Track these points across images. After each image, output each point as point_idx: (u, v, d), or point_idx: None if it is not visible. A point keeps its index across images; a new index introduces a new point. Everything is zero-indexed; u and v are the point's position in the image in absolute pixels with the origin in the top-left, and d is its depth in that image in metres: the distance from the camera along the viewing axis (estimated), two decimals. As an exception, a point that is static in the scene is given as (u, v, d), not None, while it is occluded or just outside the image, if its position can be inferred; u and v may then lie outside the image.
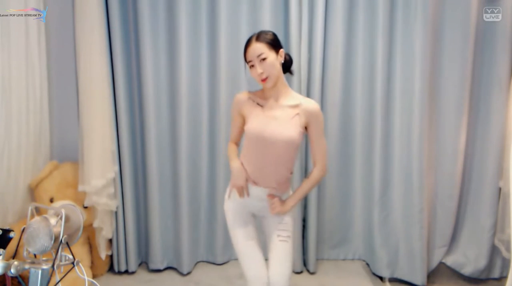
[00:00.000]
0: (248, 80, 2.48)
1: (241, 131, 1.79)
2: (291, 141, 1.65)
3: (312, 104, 1.68)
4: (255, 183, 1.71)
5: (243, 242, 1.73)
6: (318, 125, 1.68)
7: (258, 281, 1.66)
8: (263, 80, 1.64)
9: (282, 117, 1.66)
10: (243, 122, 1.75)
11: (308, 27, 2.51)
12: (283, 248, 1.71)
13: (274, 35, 1.67)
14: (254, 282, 1.67)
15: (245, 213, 1.78)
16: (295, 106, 1.67)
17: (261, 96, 1.74)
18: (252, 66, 1.64)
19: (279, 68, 1.66)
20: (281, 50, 1.68)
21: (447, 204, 2.57)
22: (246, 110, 1.73)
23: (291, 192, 1.81)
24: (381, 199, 2.62)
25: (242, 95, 1.76)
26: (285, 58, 1.71)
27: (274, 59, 1.63)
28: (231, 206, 1.79)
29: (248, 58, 1.65)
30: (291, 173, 1.76)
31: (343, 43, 2.55)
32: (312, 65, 2.51)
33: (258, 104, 1.71)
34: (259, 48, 1.62)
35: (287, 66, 1.75)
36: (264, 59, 1.61)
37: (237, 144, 1.85)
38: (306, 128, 1.69)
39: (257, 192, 1.71)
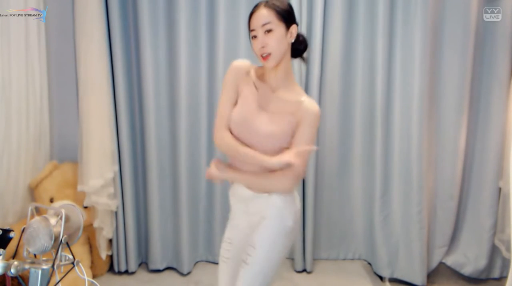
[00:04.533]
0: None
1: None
2: (275, 141, 1.38)
3: (312, 104, 1.40)
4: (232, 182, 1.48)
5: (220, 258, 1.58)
6: (308, 128, 1.36)
7: None
8: (264, 57, 1.35)
9: (274, 112, 1.39)
10: (236, 101, 1.42)
11: (307, 27, 2.51)
12: (240, 275, 1.42)
13: (290, 6, 1.38)
14: None
15: (235, 220, 1.53)
16: (295, 103, 1.39)
17: (260, 75, 1.44)
18: (255, 37, 1.36)
19: (286, 47, 1.38)
20: (294, 25, 1.38)
21: (447, 204, 2.57)
22: (240, 87, 1.42)
23: (276, 196, 1.43)
24: (381, 199, 2.62)
25: (244, 65, 1.44)
26: (297, 38, 1.41)
27: (282, 35, 1.34)
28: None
29: (252, 26, 1.36)
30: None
31: (342, 43, 2.55)
32: (310, 65, 2.50)
33: (255, 85, 1.42)
34: (266, 16, 1.33)
35: (298, 49, 1.44)
36: (269, 31, 1.33)
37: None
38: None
39: (239, 190, 1.46)
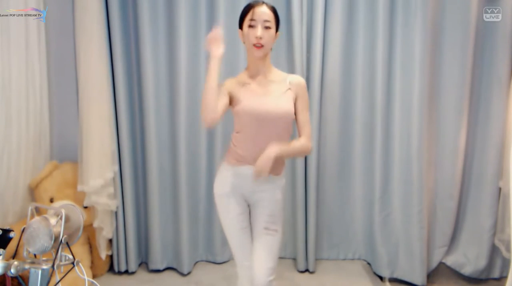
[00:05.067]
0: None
1: (225, 106, 1.60)
2: (289, 115, 1.63)
3: (299, 78, 1.71)
4: (251, 164, 1.61)
5: (236, 231, 1.68)
6: (305, 99, 1.68)
7: (248, 270, 1.66)
8: (258, 46, 1.59)
9: (276, 92, 1.64)
10: (228, 101, 1.63)
11: (308, 27, 2.51)
12: (267, 241, 1.64)
13: None
14: (243, 270, 1.69)
15: (238, 197, 1.68)
16: (284, 80, 1.67)
17: (248, 76, 1.69)
18: (252, 26, 1.59)
19: (271, 45, 1.64)
20: (278, 32, 1.67)
21: (447, 204, 2.57)
22: (235, 91, 1.64)
23: (284, 179, 1.74)
24: (381, 199, 2.62)
25: (228, 80, 1.70)
26: None
27: (273, 34, 1.61)
28: (224, 191, 1.68)
29: (254, 17, 1.58)
30: None
31: (343, 43, 2.55)
32: (311, 65, 2.50)
33: (246, 83, 1.66)
34: (269, 15, 1.59)
35: None
36: (268, 27, 1.58)
37: (218, 117, 1.54)
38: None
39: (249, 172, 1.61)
